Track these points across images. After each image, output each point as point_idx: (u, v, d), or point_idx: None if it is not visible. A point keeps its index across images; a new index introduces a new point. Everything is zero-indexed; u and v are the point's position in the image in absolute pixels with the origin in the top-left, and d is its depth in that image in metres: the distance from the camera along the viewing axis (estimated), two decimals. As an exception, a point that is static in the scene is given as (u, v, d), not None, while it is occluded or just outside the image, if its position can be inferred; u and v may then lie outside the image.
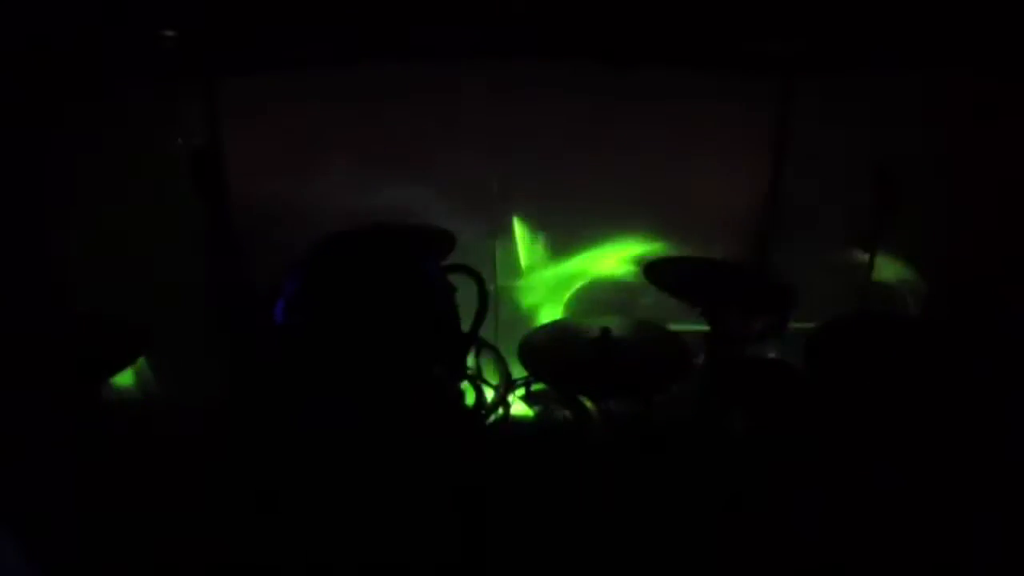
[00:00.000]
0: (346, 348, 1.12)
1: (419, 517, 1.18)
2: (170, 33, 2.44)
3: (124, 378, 2.87)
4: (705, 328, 2.56)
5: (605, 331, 2.55)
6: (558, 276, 3.54)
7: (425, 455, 1.22)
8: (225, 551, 1.89)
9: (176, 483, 2.31)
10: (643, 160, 3.26)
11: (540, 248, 3.48)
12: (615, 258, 3.49)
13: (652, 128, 3.14)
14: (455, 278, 2.03)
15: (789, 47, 2.80)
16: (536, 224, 3.42)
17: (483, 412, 2.10)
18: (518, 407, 3.00)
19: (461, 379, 1.31)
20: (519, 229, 3.42)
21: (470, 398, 2.99)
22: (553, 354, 2.55)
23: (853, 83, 2.83)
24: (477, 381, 3.08)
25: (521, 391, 3.03)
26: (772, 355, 2.60)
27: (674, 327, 2.64)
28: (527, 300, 3.56)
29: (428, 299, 1.18)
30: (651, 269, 2.64)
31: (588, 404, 2.94)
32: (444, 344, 1.20)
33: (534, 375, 2.70)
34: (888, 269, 2.47)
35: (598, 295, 3.55)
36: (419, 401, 1.22)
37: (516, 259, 3.48)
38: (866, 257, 2.29)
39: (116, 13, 2.25)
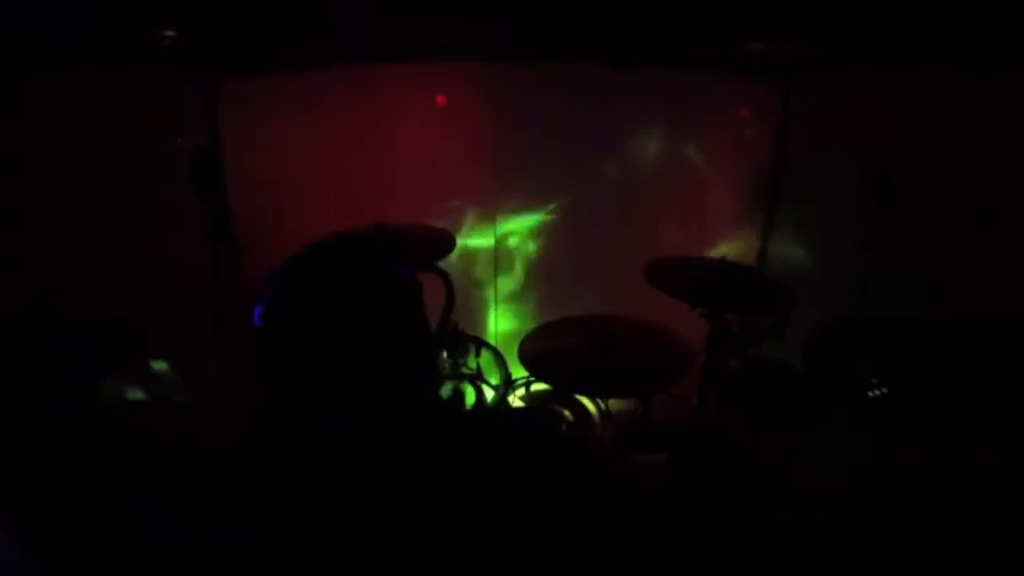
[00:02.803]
0: (312, 350, 1.17)
1: (400, 518, 1.19)
2: (170, 33, 2.44)
3: (124, 378, 2.87)
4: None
5: (605, 331, 2.55)
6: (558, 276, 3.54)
7: (399, 452, 1.23)
8: (223, 550, 1.89)
9: (174, 482, 2.31)
10: (643, 161, 3.26)
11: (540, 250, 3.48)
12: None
13: (652, 128, 3.14)
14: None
15: (788, 48, 2.80)
16: (535, 224, 3.43)
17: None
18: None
19: (431, 374, 1.33)
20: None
21: (470, 398, 3.01)
22: (553, 354, 2.56)
23: (852, 84, 2.83)
24: (477, 381, 3.09)
25: (521, 391, 3.04)
26: (772, 355, 2.60)
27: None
28: (526, 301, 3.56)
29: (393, 299, 1.22)
30: (652, 270, 2.63)
31: (588, 404, 2.94)
32: (409, 342, 1.24)
33: (534, 375, 2.70)
34: (888, 269, 2.47)
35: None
36: (389, 399, 1.24)
37: (517, 259, 3.48)
38: (866, 257, 2.29)
39: (117, 13, 2.25)
